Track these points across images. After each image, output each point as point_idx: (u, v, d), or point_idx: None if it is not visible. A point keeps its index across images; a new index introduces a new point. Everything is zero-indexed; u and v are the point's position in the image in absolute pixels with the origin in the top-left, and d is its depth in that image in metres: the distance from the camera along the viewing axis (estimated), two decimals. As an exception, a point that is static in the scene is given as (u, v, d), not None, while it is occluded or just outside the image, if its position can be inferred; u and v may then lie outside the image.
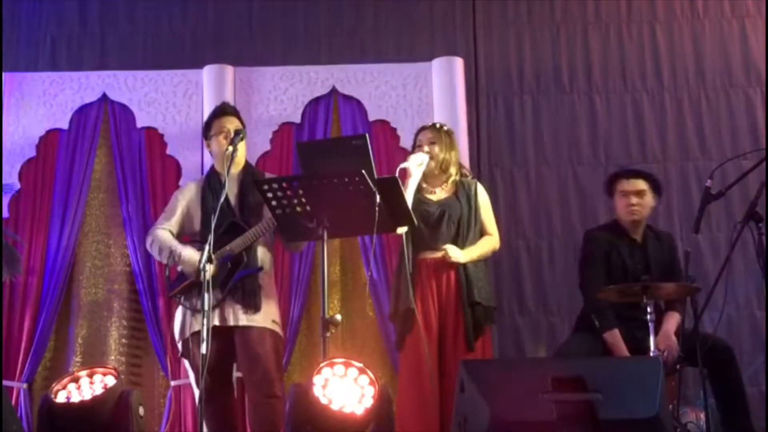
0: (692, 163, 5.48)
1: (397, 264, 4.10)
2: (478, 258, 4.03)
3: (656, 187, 4.30)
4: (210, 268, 3.38)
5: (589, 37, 5.68)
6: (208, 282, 3.36)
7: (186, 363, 4.07)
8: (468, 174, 4.29)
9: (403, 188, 3.70)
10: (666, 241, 4.31)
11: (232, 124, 3.99)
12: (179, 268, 3.96)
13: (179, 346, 3.99)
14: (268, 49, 5.60)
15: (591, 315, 4.12)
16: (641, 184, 4.24)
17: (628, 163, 5.10)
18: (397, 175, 3.71)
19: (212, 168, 4.09)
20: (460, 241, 4.02)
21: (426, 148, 4.11)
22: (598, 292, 3.92)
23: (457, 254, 3.95)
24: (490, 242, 4.11)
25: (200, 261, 3.44)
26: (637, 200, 4.21)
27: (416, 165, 4.02)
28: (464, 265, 3.98)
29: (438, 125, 4.26)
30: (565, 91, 5.61)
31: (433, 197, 4.11)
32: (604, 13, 5.72)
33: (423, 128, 4.25)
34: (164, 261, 3.96)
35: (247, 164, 4.07)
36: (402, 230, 3.94)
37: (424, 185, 4.13)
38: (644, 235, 4.26)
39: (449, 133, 4.21)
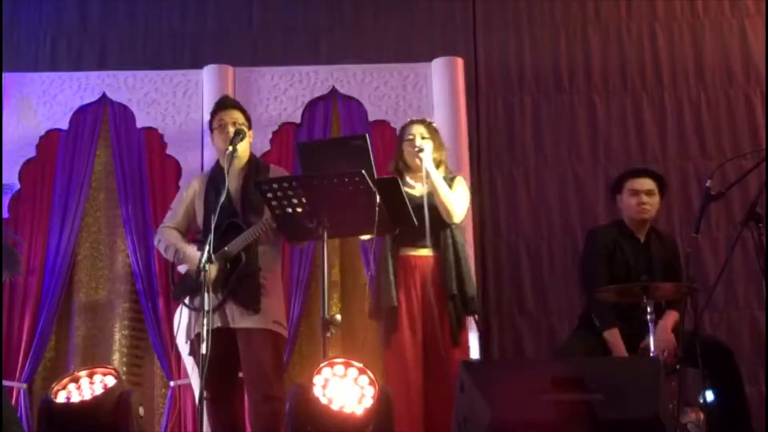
0: (692, 163, 5.49)
1: (377, 261, 4.05)
2: (434, 181, 3.91)
3: (663, 187, 4.30)
4: (212, 269, 3.37)
5: (589, 37, 5.68)
6: (207, 282, 3.37)
7: (191, 363, 4.08)
8: (452, 172, 4.20)
9: (403, 187, 3.70)
10: (668, 242, 4.31)
11: (231, 117, 3.98)
12: (179, 268, 3.97)
13: (186, 345, 3.99)
14: (268, 49, 5.60)
15: (591, 314, 4.12)
16: (651, 184, 4.23)
17: (628, 163, 5.10)
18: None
19: (217, 163, 4.09)
20: (442, 237, 3.96)
21: (419, 141, 4.03)
22: (599, 290, 3.92)
23: (428, 154, 3.93)
24: (451, 193, 3.97)
25: (200, 261, 3.44)
26: (647, 199, 4.20)
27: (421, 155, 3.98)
28: (444, 258, 3.93)
29: (429, 121, 4.20)
30: (565, 91, 5.61)
31: (416, 192, 4.02)
32: (604, 13, 5.72)
33: (413, 122, 4.17)
34: (171, 259, 3.97)
35: (251, 159, 4.02)
36: (366, 237, 3.90)
37: (408, 179, 4.09)
38: (648, 235, 4.26)
39: (438, 132, 4.17)
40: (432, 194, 3.94)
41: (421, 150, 3.96)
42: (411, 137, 4.06)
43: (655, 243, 4.24)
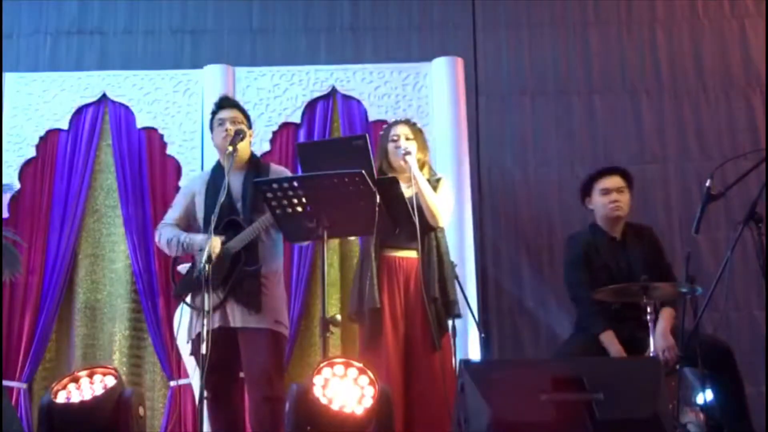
0: (692, 163, 5.49)
1: (360, 262, 4.01)
2: (419, 184, 3.85)
3: (631, 184, 4.30)
4: (216, 243, 3.35)
5: (589, 37, 5.69)
6: (208, 282, 3.38)
7: (192, 363, 4.07)
8: (435, 173, 4.16)
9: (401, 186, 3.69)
10: (646, 235, 4.28)
11: (230, 117, 3.99)
12: (179, 268, 3.97)
13: (187, 345, 3.99)
14: (268, 49, 5.62)
15: (582, 322, 4.13)
16: (620, 181, 4.25)
17: (628, 164, 5.09)
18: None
19: (218, 162, 4.09)
20: (426, 240, 3.90)
21: (404, 143, 3.98)
22: (583, 294, 3.95)
23: (413, 158, 3.87)
24: (436, 196, 3.92)
25: (200, 261, 3.45)
26: (619, 197, 4.21)
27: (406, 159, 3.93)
28: (427, 261, 3.88)
29: (413, 122, 4.15)
30: (565, 91, 5.61)
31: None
32: (604, 13, 5.73)
33: (397, 122, 4.12)
34: (173, 253, 3.95)
35: (251, 159, 4.03)
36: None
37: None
38: (624, 232, 4.26)
39: (422, 132, 4.13)
40: (416, 197, 3.88)
41: (407, 153, 3.91)
42: (396, 138, 4.02)
43: (632, 239, 4.24)
